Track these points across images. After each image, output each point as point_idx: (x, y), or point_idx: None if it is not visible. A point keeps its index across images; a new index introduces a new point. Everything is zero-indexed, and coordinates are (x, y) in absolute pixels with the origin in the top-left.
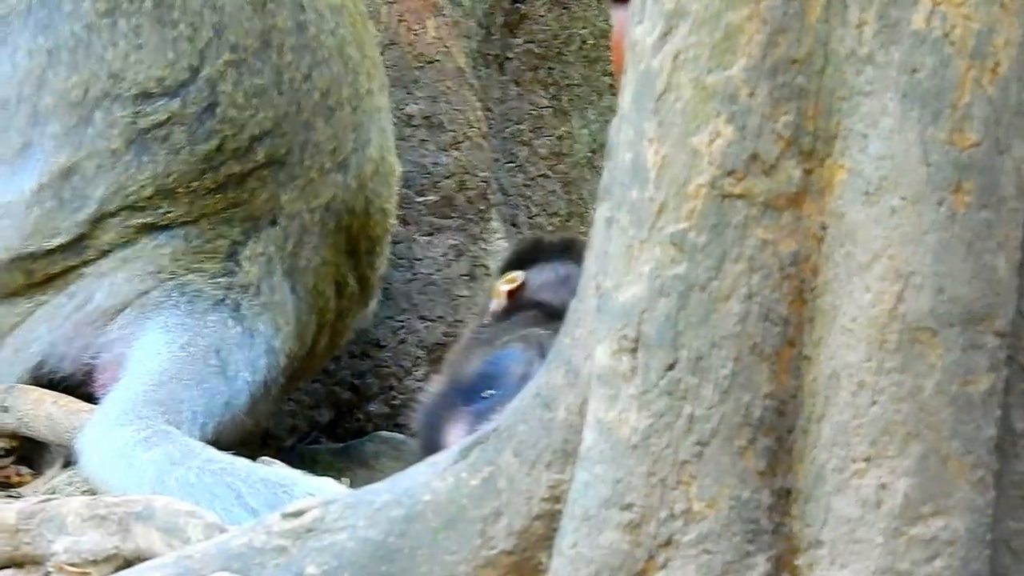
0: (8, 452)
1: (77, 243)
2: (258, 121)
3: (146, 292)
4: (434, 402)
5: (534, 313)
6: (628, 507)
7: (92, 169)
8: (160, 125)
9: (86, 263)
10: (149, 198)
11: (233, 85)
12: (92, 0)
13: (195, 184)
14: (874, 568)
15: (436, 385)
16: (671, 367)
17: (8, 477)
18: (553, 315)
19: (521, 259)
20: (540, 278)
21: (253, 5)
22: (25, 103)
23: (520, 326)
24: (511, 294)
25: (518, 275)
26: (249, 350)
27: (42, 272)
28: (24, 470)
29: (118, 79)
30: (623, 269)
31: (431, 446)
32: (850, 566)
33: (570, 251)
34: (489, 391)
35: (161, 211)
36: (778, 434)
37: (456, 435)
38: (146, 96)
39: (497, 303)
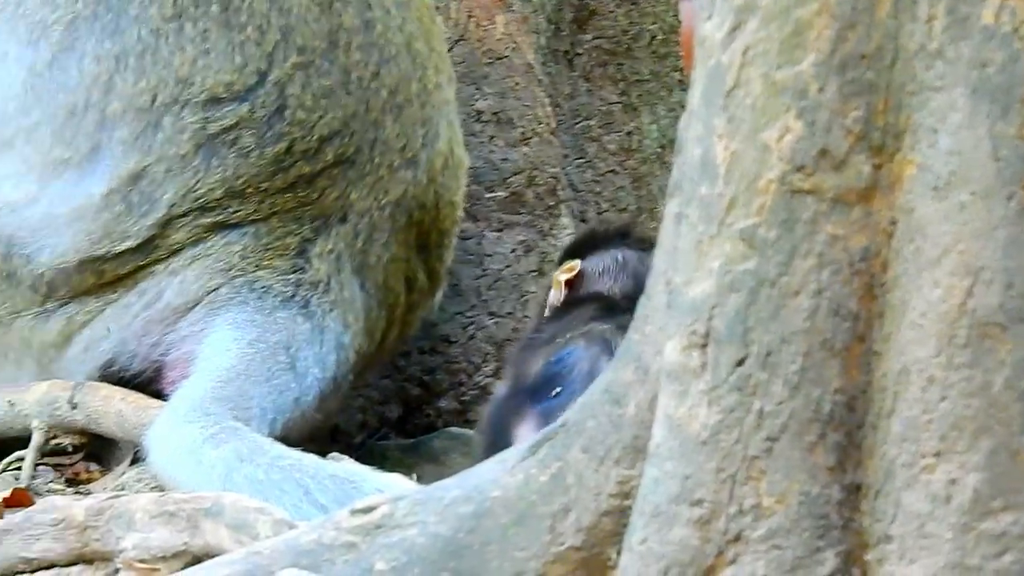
0: (77, 449)
1: (147, 244)
2: (327, 122)
3: (216, 289)
4: (501, 403)
5: (593, 306)
6: (698, 503)
7: (161, 173)
8: (229, 129)
9: (156, 262)
10: (219, 199)
11: (301, 87)
12: (158, 5)
13: (265, 185)
14: (944, 563)
15: (501, 386)
16: (741, 363)
17: (77, 474)
18: (612, 307)
19: (579, 248)
20: (598, 265)
21: (320, 5)
22: (93, 109)
23: (580, 321)
24: (569, 284)
25: (575, 263)
26: (319, 347)
27: (112, 273)
28: (93, 467)
29: (186, 84)
30: (693, 265)
31: (499, 446)
32: (919, 561)
33: (627, 237)
34: (556, 390)
35: (231, 210)
36: (848, 429)
37: (525, 436)
38: (215, 101)
39: (556, 294)
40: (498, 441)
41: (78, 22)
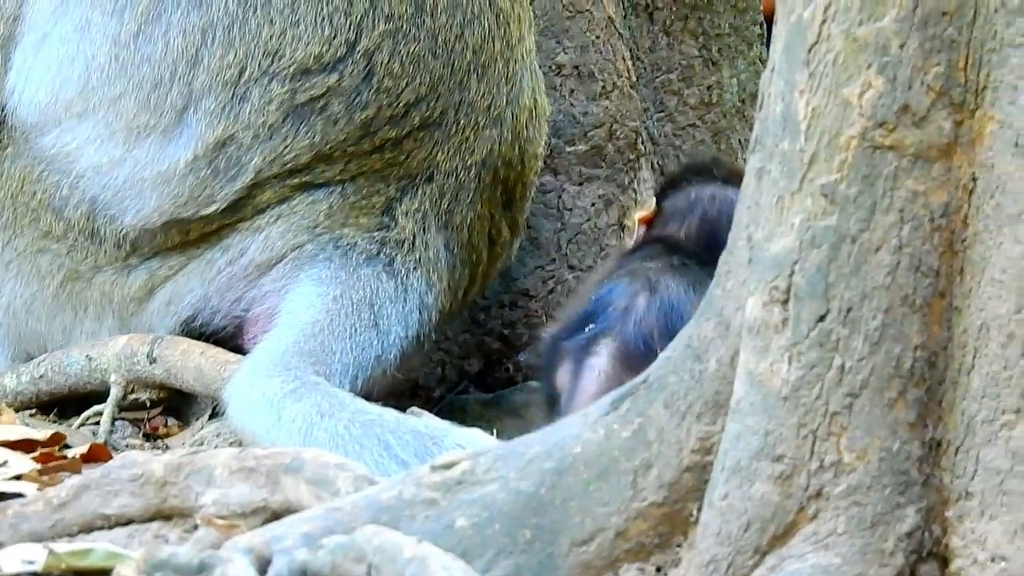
0: (155, 403)
1: (233, 206)
2: (414, 87)
3: (300, 246)
4: (546, 342)
5: (655, 247)
6: (779, 459)
7: (248, 140)
8: (317, 98)
9: (241, 220)
10: (306, 164)
11: (389, 55)
12: None
13: (352, 149)
14: (1023, 520)
15: (553, 325)
16: (822, 318)
17: (155, 428)
18: (674, 249)
19: (666, 185)
20: (672, 206)
21: None
22: (179, 82)
23: (634, 261)
24: (647, 222)
25: (652, 202)
26: (402, 305)
27: (198, 231)
28: (171, 421)
29: (275, 57)
30: (774, 220)
31: (548, 389)
32: (999, 517)
33: (706, 174)
34: (590, 325)
35: (318, 171)
36: (928, 385)
37: (561, 374)
38: (304, 72)
39: (636, 233)
40: (546, 383)
41: None
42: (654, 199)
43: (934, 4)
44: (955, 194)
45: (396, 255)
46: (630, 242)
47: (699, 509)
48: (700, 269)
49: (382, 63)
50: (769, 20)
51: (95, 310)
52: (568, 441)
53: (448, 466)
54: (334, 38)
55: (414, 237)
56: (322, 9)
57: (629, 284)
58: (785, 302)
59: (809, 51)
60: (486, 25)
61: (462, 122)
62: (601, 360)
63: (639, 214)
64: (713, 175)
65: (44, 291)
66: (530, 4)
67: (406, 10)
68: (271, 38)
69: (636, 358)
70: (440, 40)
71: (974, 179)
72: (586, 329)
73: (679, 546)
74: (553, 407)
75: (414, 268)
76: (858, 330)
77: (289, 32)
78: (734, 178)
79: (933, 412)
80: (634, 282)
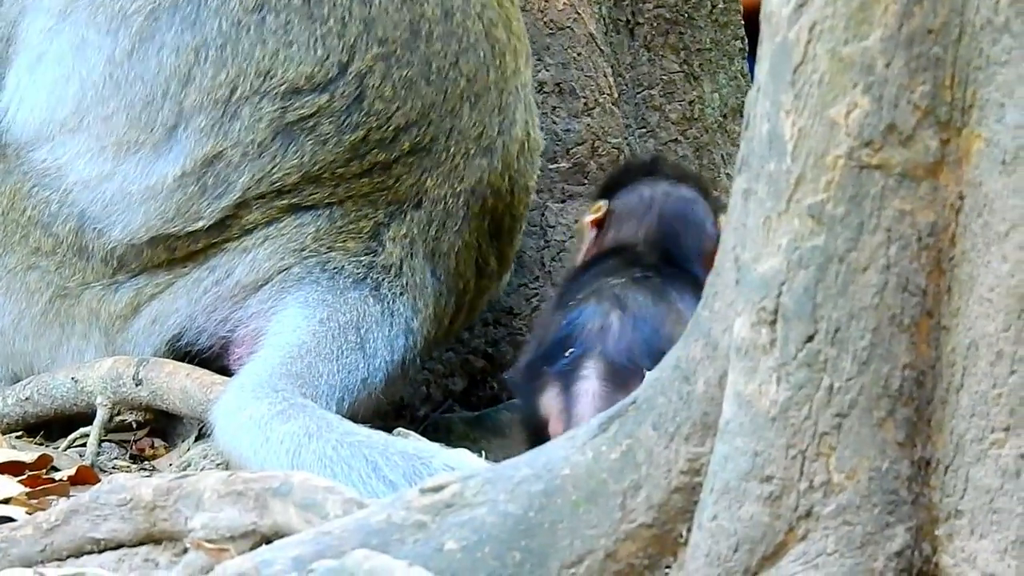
0: (141, 425)
1: (220, 224)
2: (404, 112)
3: (287, 268)
4: (523, 370)
5: (614, 260)
6: (768, 479)
7: (237, 157)
8: (307, 118)
9: (228, 240)
10: (294, 184)
11: (381, 78)
12: None
13: (340, 171)
14: (1013, 538)
15: (525, 353)
16: (810, 339)
17: (142, 450)
18: (634, 260)
19: (608, 187)
20: (625, 205)
21: None
22: (170, 100)
23: (596, 277)
24: (599, 224)
25: (602, 204)
26: (388, 329)
27: (184, 249)
28: (158, 443)
29: (267, 77)
30: (761, 241)
31: (530, 415)
32: (989, 536)
33: (654, 172)
34: (569, 350)
35: (306, 193)
36: (917, 405)
37: (548, 399)
38: (295, 92)
39: (586, 237)
40: (528, 409)
41: (158, 12)
42: (604, 200)
43: (919, 22)
44: (942, 213)
45: (383, 280)
46: (580, 246)
47: (688, 530)
48: (660, 280)
49: (374, 86)
50: (750, 21)
51: (82, 327)
52: (556, 463)
53: (437, 489)
54: (326, 59)
55: (401, 263)
56: (316, 30)
57: (598, 304)
58: (773, 323)
59: (794, 71)
60: (481, 54)
61: (452, 149)
62: (591, 383)
63: (589, 217)
64: (658, 173)
65: (32, 308)
66: None
67: (400, 35)
68: (263, 58)
69: (623, 375)
70: (434, 66)
71: (961, 198)
72: (566, 354)
73: (668, 568)
74: (537, 433)
75: (400, 293)
76: (846, 350)
77: (282, 52)
78: (680, 176)
79: (922, 431)
80: (602, 301)
